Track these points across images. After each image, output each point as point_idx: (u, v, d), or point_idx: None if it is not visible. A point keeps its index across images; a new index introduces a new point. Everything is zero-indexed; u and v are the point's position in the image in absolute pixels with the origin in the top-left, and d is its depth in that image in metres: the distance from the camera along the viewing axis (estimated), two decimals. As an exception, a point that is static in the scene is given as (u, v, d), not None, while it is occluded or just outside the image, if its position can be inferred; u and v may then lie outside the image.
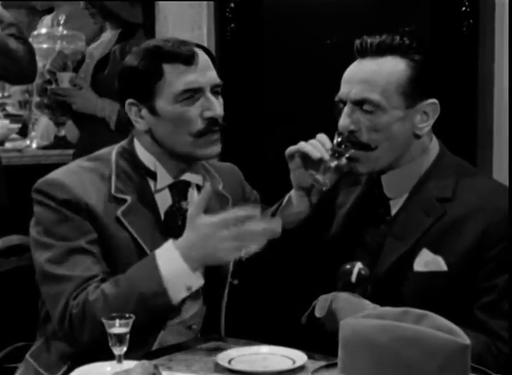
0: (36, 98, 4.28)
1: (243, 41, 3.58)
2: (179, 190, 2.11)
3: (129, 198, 2.03)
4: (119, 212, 2.00)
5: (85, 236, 1.98)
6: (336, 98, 2.04)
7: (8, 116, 4.62)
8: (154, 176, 2.08)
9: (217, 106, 2.05)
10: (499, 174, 3.17)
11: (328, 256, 2.09)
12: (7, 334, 2.16)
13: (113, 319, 1.72)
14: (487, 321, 1.91)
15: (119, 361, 1.72)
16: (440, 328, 1.40)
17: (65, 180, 2.00)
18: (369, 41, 1.99)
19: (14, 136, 4.47)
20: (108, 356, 1.72)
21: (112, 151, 2.12)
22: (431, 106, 2.01)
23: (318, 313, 1.97)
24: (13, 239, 3.33)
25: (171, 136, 2.04)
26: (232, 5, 3.56)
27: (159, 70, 2.00)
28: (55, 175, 2.05)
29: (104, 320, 1.73)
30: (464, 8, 3.31)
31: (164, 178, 2.08)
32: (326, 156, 2.00)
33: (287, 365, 1.82)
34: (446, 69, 3.33)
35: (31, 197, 2.04)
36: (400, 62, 1.98)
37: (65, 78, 3.92)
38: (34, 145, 4.36)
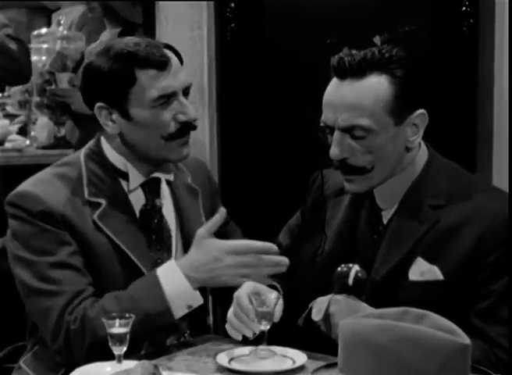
0: (36, 98, 4.28)
1: (244, 40, 3.58)
2: (152, 187, 2.10)
3: (103, 201, 2.01)
4: (95, 216, 1.99)
5: (64, 248, 1.96)
6: (321, 123, 1.98)
7: (7, 115, 4.62)
8: (125, 176, 2.07)
9: (191, 110, 2.03)
10: (499, 174, 3.16)
11: (323, 269, 2.06)
12: (7, 334, 2.16)
13: (113, 319, 1.72)
14: (484, 328, 1.89)
15: (119, 361, 1.72)
16: (440, 328, 1.40)
17: (37, 191, 1.98)
18: (347, 60, 1.92)
19: (14, 136, 4.46)
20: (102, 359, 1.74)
21: (80, 154, 2.09)
22: (419, 117, 1.97)
23: (315, 316, 1.96)
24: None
25: (143, 139, 2.02)
26: (233, 4, 3.56)
27: (132, 76, 1.97)
28: (26, 186, 2.02)
29: (104, 320, 1.73)
30: (464, 8, 3.31)
31: (136, 178, 2.07)
32: (253, 329, 1.93)
33: (287, 365, 1.83)
34: (446, 69, 3.34)
35: None
36: (383, 79, 1.91)
37: (64, 79, 3.93)
38: (34, 145, 4.36)
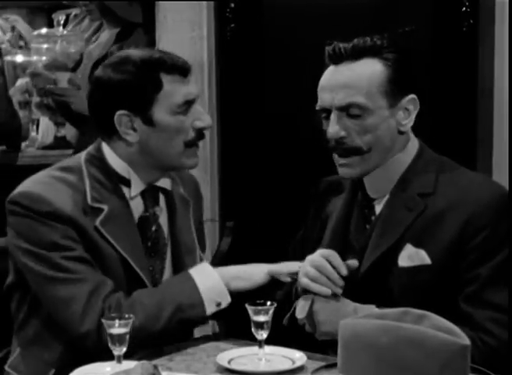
0: (36, 99, 4.28)
1: (243, 41, 3.58)
2: (151, 195, 2.11)
3: (105, 207, 2.01)
4: (97, 223, 1.99)
5: (73, 243, 1.96)
6: (317, 107, 2.04)
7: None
8: (126, 183, 2.07)
9: (207, 117, 2.07)
10: (499, 174, 3.16)
11: None
12: (7, 334, 2.15)
13: (113, 319, 1.72)
14: (471, 313, 1.92)
15: (119, 361, 1.72)
16: (440, 328, 1.40)
17: (42, 193, 1.97)
18: (342, 46, 2.02)
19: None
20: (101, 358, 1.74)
21: (80, 159, 2.08)
22: (411, 102, 2.03)
23: (298, 314, 2.00)
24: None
25: (165, 146, 2.03)
26: (232, 5, 3.56)
27: (158, 81, 1.99)
28: (29, 188, 2.00)
29: (103, 320, 1.73)
30: (464, 9, 3.31)
31: (137, 185, 2.07)
32: (338, 291, 2.00)
33: (287, 365, 1.83)
34: (446, 69, 3.34)
35: None
36: (376, 63, 2.00)
37: (63, 78, 3.92)
38: (34, 145, 4.36)
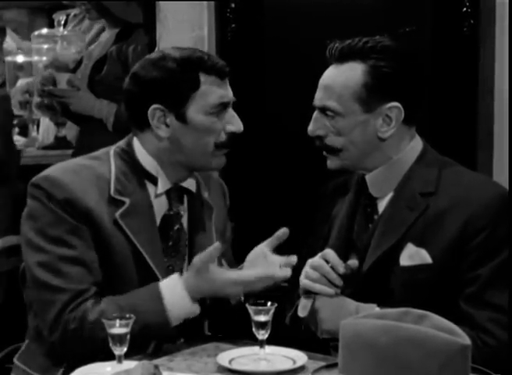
0: (36, 99, 4.28)
1: (244, 41, 3.58)
2: (176, 195, 2.12)
3: (127, 201, 2.02)
4: (117, 215, 2.00)
5: (79, 241, 1.97)
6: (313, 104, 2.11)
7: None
8: (153, 180, 2.08)
9: (239, 122, 2.09)
10: (500, 176, 3.16)
11: None
12: (8, 334, 2.16)
13: (113, 319, 1.73)
14: (472, 313, 1.93)
15: (120, 361, 1.72)
16: (440, 328, 1.40)
17: (65, 179, 1.99)
18: (334, 46, 2.06)
19: (15, 137, 4.47)
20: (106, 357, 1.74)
21: (110, 151, 2.11)
22: (393, 110, 2.03)
23: (300, 312, 2.01)
24: (13, 239, 3.33)
25: (195, 144, 2.05)
26: (233, 5, 3.56)
27: (196, 80, 2.02)
28: (54, 172, 2.03)
29: (104, 321, 1.73)
30: (464, 9, 3.31)
31: (164, 183, 2.08)
32: (337, 290, 2.01)
33: (287, 365, 1.83)
34: (447, 69, 3.34)
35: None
36: (358, 68, 2.02)
37: (62, 79, 3.92)
38: (35, 145, 4.37)
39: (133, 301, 1.94)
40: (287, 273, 1.95)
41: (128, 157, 2.08)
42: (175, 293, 1.95)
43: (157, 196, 2.08)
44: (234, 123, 2.07)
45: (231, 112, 2.07)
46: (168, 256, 2.09)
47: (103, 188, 2.02)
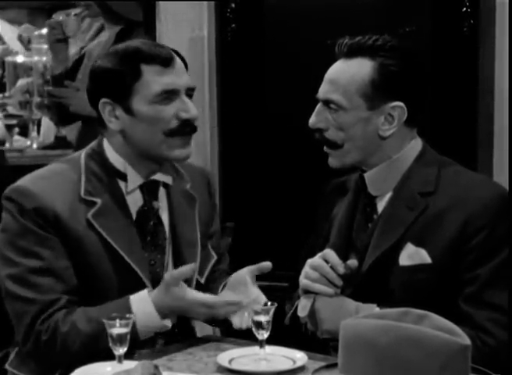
0: (36, 99, 4.28)
1: (244, 41, 3.58)
2: (150, 190, 2.11)
3: (99, 201, 2.03)
4: (89, 215, 2.01)
5: (47, 251, 1.98)
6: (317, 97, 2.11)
7: (8, 116, 4.62)
8: (124, 177, 2.08)
9: (192, 108, 2.06)
10: (500, 176, 3.16)
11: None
12: (8, 334, 2.15)
13: (114, 319, 1.73)
14: (471, 313, 1.93)
15: (120, 361, 1.72)
16: (440, 328, 1.40)
17: (34, 189, 2.01)
18: (344, 42, 2.06)
19: (15, 136, 4.47)
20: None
21: (82, 153, 2.12)
22: (396, 109, 2.03)
23: (300, 312, 2.01)
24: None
25: (144, 135, 2.04)
26: (233, 5, 3.56)
27: (137, 71, 2.02)
28: (24, 182, 2.05)
29: (105, 321, 1.73)
30: (464, 9, 3.31)
31: (134, 179, 2.09)
32: (336, 290, 2.02)
33: (287, 365, 1.83)
34: (447, 69, 3.34)
35: None
36: (366, 64, 2.02)
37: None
38: (35, 146, 4.36)
39: (104, 313, 1.91)
40: (245, 320, 1.95)
41: (98, 157, 2.09)
42: (143, 307, 1.95)
43: (129, 193, 2.08)
44: (187, 109, 2.04)
45: (183, 99, 2.05)
46: (148, 251, 2.09)
47: (73, 191, 2.03)
